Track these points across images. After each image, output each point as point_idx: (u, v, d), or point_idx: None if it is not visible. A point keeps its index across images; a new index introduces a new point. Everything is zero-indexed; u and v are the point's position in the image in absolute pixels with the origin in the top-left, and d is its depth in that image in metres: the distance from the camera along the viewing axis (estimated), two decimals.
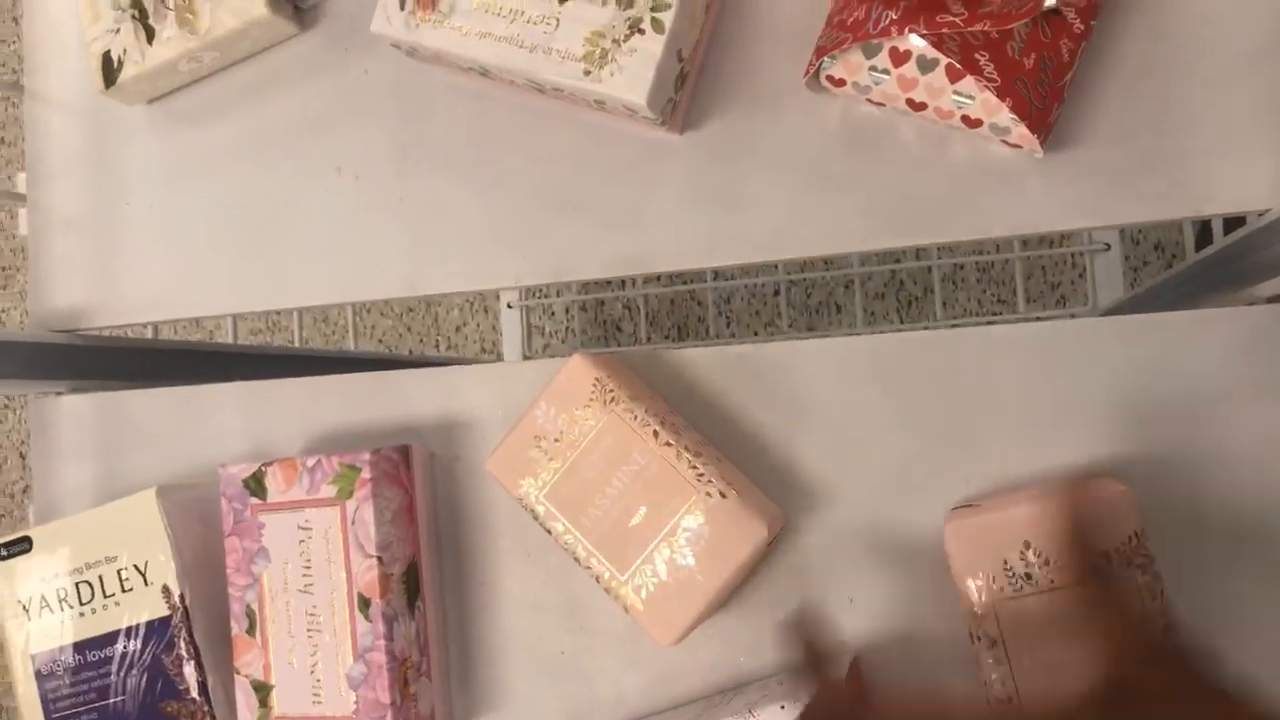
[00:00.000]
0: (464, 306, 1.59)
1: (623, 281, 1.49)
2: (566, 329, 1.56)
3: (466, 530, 0.64)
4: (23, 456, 1.72)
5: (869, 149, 0.59)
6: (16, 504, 1.72)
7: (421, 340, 1.62)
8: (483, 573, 0.63)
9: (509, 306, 1.46)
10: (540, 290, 1.48)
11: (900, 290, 1.45)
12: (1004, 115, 0.53)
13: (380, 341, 1.62)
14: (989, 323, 1.40)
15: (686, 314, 1.51)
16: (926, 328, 1.42)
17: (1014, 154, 0.57)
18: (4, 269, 1.77)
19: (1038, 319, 1.37)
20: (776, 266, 1.40)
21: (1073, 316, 1.30)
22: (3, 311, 1.76)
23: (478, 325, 1.60)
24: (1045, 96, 0.52)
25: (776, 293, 1.48)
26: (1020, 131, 0.53)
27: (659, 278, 1.46)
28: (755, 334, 1.49)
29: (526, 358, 1.44)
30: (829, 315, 1.47)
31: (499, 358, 1.56)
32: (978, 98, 0.53)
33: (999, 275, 1.43)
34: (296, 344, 1.56)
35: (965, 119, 0.55)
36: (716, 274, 1.42)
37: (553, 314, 1.56)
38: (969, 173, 0.57)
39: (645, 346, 1.49)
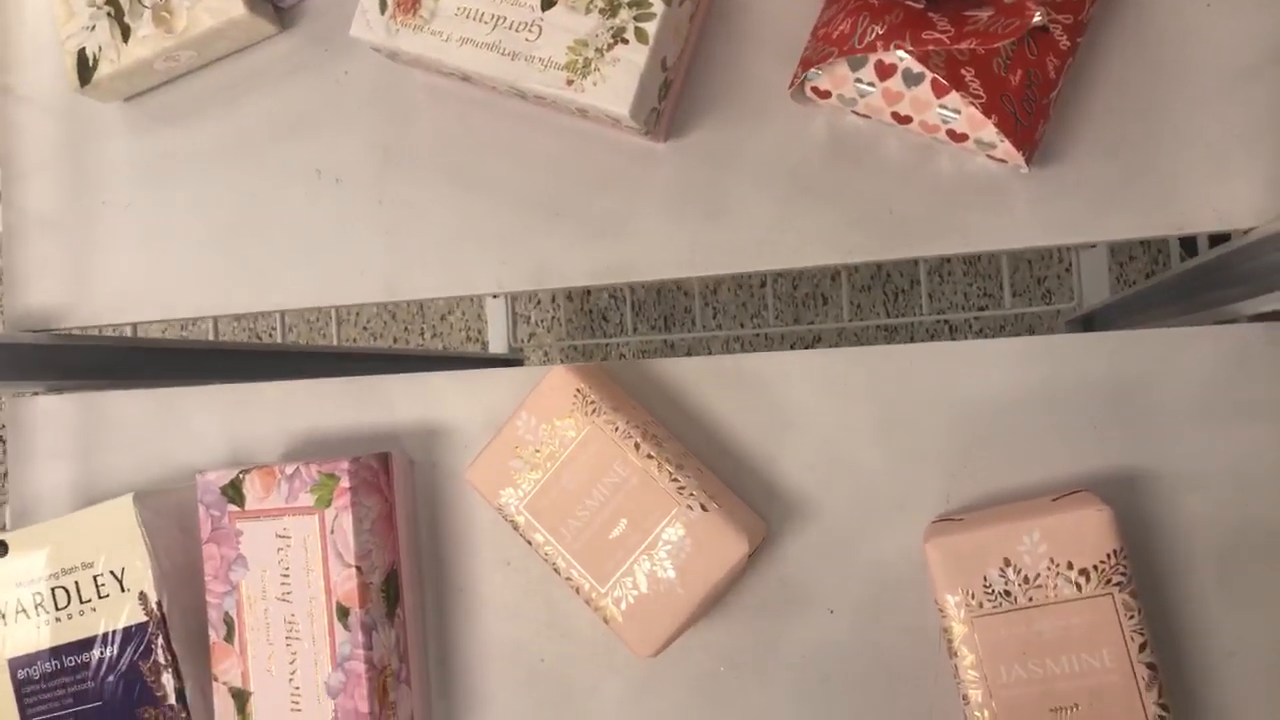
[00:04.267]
0: None
1: None
2: (553, 318, 1.56)
3: (447, 538, 0.64)
4: (1, 440, 1.71)
5: (853, 160, 0.58)
6: None
7: (407, 328, 1.61)
8: (463, 580, 0.63)
9: (494, 296, 1.45)
10: None
11: (887, 283, 1.45)
12: (989, 131, 0.53)
13: (365, 328, 1.61)
14: (975, 317, 1.40)
15: (673, 305, 1.51)
16: (913, 322, 1.42)
17: (999, 169, 0.56)
18: None
19: (1023, 313, 1.37)
20: None
21: (1058, 313, 1.31)
22: None
23: (463, 314, 1.59)
24: (1031, 113, 0.52)
25: (763, 284, 1.47)
26: (1005, 147, 0.53)
27: None
28: (741, 325, 1.48)
29: (512, 346, 1.44)
30: (815, 307, 1.47)
31: (484, 347, 1.55)
32: (963, 112, 0.53)
33: (985, 269, 1.43)
34: (279, 332, 1.55)
35: (950, 133, 0.54)
36: None
37: (539, 303, 1.55)
38: (954, 187, 0.57)
39: (633, 339, 1.49)
